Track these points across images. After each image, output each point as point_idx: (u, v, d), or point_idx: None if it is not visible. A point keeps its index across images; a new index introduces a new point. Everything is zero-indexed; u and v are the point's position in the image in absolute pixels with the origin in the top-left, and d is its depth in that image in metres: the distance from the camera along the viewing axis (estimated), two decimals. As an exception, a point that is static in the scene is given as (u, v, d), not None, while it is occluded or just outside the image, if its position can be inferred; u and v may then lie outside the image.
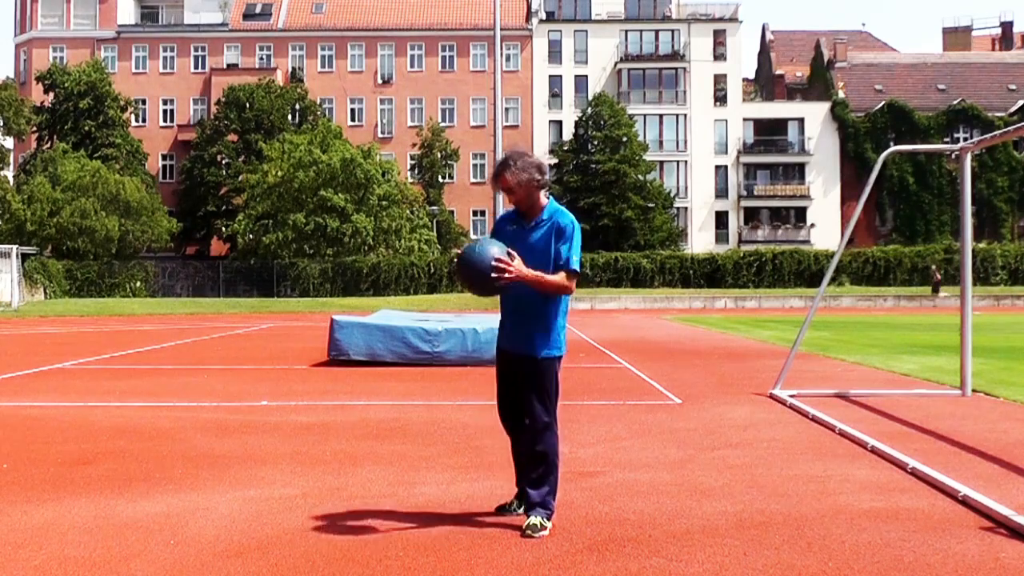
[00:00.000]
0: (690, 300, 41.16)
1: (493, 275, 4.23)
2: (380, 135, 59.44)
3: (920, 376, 11.02)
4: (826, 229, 58.88)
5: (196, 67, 60.89)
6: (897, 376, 11.14)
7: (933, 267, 44.87)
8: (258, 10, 62.72)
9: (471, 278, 4.34)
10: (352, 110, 60.56)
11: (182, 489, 5.24)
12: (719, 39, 61.31)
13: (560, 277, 4.38)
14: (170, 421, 7.79)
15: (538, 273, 4.34)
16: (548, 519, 4.38)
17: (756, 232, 59.95)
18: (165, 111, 60.77)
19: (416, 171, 57.43)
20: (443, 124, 58.71)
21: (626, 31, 61.41)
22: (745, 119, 61.08)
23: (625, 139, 54.19)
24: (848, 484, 5.37)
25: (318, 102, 58.07)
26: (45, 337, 20.04)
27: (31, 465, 5.94)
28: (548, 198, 4.59)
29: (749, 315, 32.04)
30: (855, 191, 57.92)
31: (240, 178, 51.95)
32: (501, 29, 36.66)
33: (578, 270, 4.45)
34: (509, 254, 4.28)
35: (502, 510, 4.66)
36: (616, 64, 61.04)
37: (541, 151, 60.11)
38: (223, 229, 51.64)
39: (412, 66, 60.96)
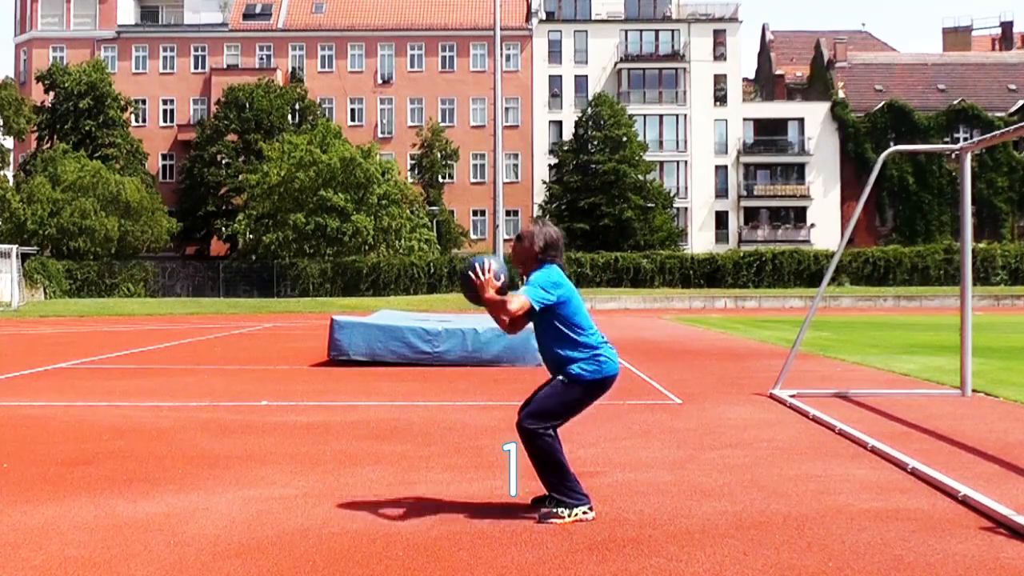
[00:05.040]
0: (690, 300, 41.12)
1: (466, 281, 4.58)
2: (380, 135, 59.41)
3: (920, 376, 11.01)
4: (826, 229, 58.86)
5: (196, 67, 60.87)
6: (897, 376, 11.14)
7: None
8: (258, 10, 62.70)
9: (461, 278, 4.72)
10: (352, 110, 60.54)
11: (182, 489, 5.24)
12: (719, 39, 61.28)
13: (507, 297, 4.53)
14: (170, 421, 7.79)
15: (491, 294, 4.53)
16: (558, 507, 4.50)
17: (756, 232, 59.93)
18: (165, 111, 60.75)
19: (416, 171, 57.41)
20: (443, 124, 58.67)
21: (626, 31, 61.39)
22: (745, 119, 61.06)
23: (625, 139, 54.14)
24: (848, 484, 5.37)
25: (318, 102, 58.05)
26: (45, 337, 20.03)
27: (31, 465, 5.93)
28: (544, 266, 4.65)
29: (749, 315, 32.02)
30: (855, 191, 57.90)
31: (240, 178, 51.93)
32: (501, 29, 36.59)
33: (527, 296, 4.48)
34: (488, 270, 4.51)
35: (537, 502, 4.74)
36: (616, 64, 61.02)
37: (541, 151, 60.22)
38: (223, 229, 51.61)
39: (412, 66, 60.94)
